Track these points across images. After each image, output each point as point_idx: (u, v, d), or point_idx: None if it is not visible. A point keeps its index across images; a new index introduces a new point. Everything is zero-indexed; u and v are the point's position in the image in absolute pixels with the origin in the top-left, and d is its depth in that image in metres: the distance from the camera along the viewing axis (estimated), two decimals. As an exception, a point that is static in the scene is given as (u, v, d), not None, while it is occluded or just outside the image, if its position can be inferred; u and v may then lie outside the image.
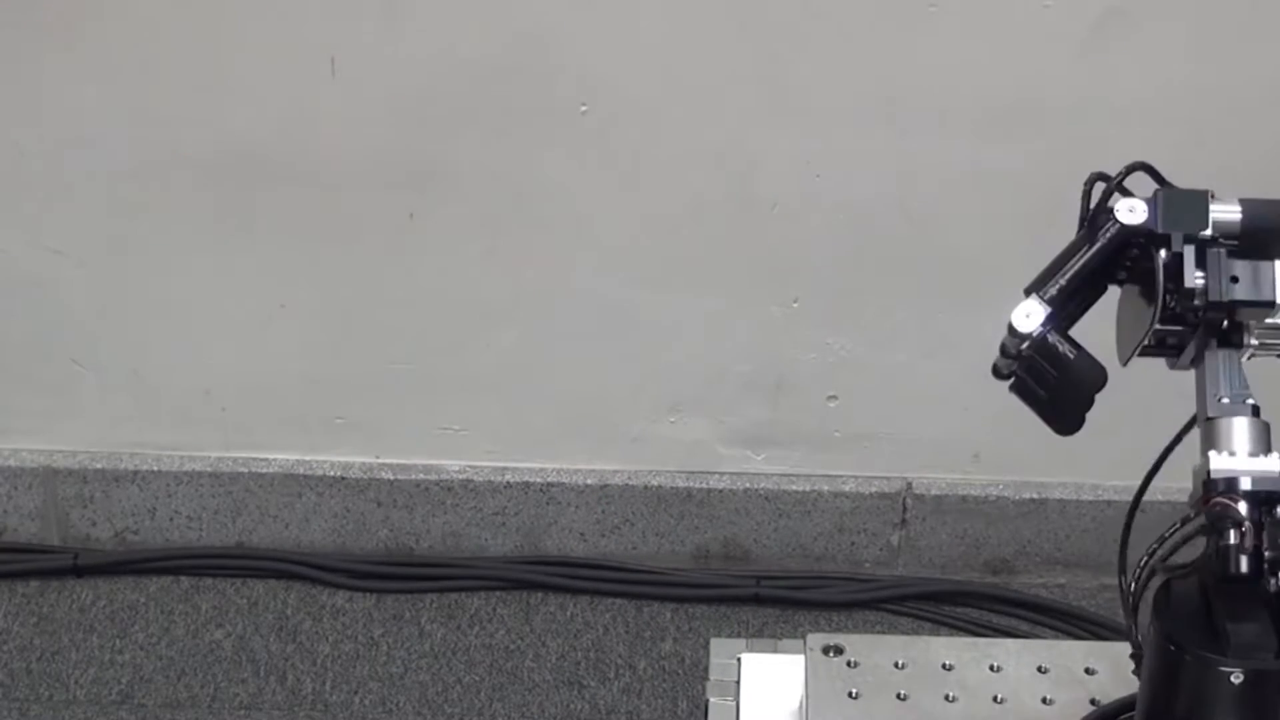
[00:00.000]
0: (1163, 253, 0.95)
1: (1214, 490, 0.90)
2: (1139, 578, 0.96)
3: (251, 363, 2.44)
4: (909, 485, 2.49)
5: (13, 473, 2.53)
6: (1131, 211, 0.96)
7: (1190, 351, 0.97)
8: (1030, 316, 0.97)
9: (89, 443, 2.52)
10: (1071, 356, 0.95)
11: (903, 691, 1.17)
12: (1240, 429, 0.92)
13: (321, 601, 2.49)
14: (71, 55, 2.18)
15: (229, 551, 2.55)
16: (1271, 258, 0.95)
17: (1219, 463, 0.91)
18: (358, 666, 2.38)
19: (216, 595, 2.50)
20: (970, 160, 2.19)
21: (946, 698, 1.16)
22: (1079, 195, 1.02)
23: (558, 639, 2.43)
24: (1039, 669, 1.19)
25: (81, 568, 2.52)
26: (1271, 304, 0.94)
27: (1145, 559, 0.96)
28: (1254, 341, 0.96)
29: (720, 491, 2.49)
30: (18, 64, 2.19)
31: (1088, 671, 1.18)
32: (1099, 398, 0.98)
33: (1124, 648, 1.06)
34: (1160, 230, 0.95)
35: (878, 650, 1.20)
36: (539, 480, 2.50)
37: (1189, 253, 0.94)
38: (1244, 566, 0.87)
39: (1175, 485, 1.02)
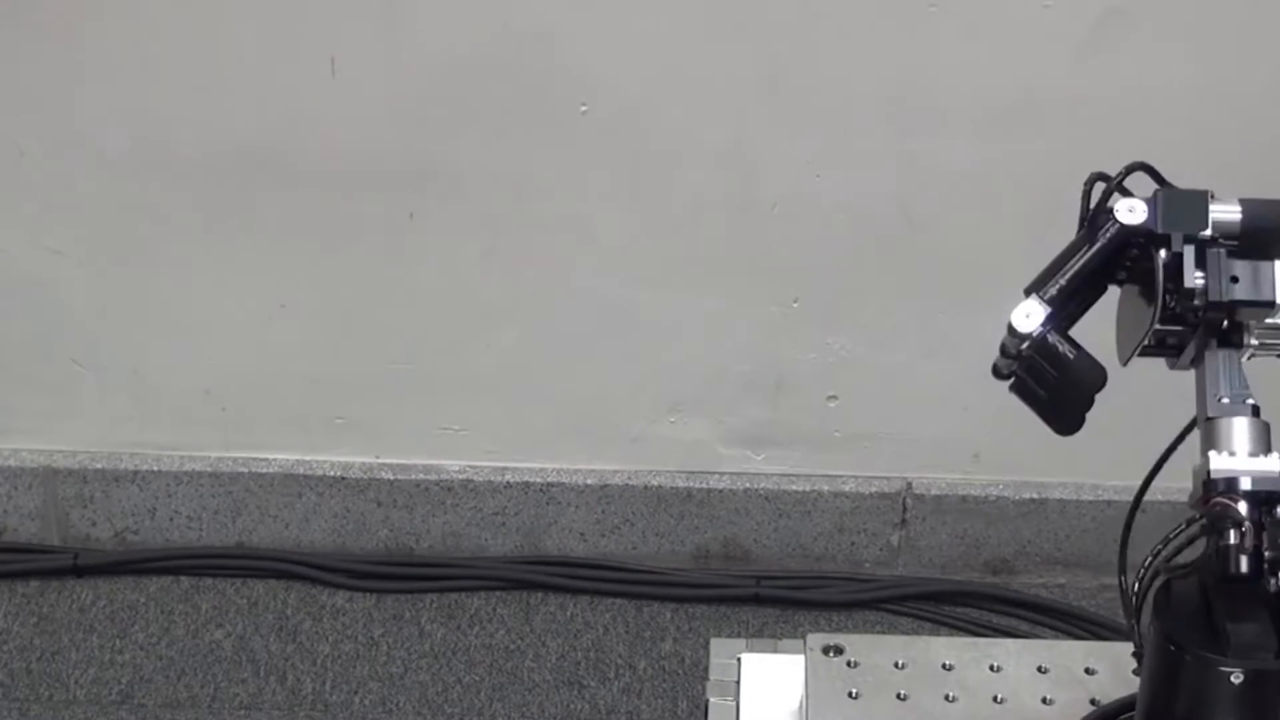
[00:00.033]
0: (1163, 253, 0.95)
1: (1214, 490, 0.90)
2: (1142, 578, 0.96)
3: (251, 363, 2.44)
4: (909, 485, 2.49)
5: (13, 473, 2.53)
6: (1131, 211, 0.96)
7: (1190, 351, 0.97)
8: (1030, 316, 0.96)
9: (89, 443, 2.52)
10: (1071, 356, 0.95)
11: (903, 691, 1.17)
12: (1240, 429, 0.92)
13: (321, 601, 2.49)
14: (71, 55, 2.18)
15: (229, 551, 2.55)
16: (1271, 258, 0.95)
17: (1219, 463, 0.91)
18: (358, 666, 2.38)
19: (216, 595, 2.50)
20: (970, 160, 2.19)
21: (946, 698, 1.16)
22: (1079, 195, 1.02)
23: (558, 639, 2.43)
24: (1039, 669, 1.19)
25: (81, 568, 2.52)
26: (1271, 304, 0.94)
27: (1149, 559, 0.96)
28: (1254, 341, 0.96)
29: (720, 491, 2.49)
30: (18, 64, 2.19)
31: (1088, 671, 1.18)
32: (1099, 398, 0.98)
33: (1124, 648, 1.06)
34: (1160, 230, 0.95)
35: (878, 650, 1.20)
36: (539, 480, 2.50)
37: (1189, 253, 0.94)
38: (1244, 566, 0.87)
39: (1175, 485, 1.02)
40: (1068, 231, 1.03)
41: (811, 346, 2.37)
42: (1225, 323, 0.95)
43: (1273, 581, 0.88)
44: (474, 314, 2.37)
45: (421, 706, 2.33)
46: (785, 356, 2.38)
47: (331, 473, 2.51)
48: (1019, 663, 1.19)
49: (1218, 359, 0.96)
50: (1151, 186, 1.00)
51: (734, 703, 1.22)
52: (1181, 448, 1.06)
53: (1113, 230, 0.97)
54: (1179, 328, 0.96)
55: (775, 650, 1.26)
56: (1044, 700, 1.16)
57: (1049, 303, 0.96)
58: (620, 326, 2.37)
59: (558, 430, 2.47)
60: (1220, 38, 2.09)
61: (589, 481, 2.50)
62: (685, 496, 2.50)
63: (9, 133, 2.25)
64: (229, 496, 2.53)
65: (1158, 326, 0.95)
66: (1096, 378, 0.95)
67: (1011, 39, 2.11)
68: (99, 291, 2.38)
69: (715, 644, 1.27)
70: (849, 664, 1.19)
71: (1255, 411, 0.94)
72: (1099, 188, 0.99)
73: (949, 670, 1.19)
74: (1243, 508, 0.89)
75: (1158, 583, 0.96)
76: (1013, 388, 1.00)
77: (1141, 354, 0.98)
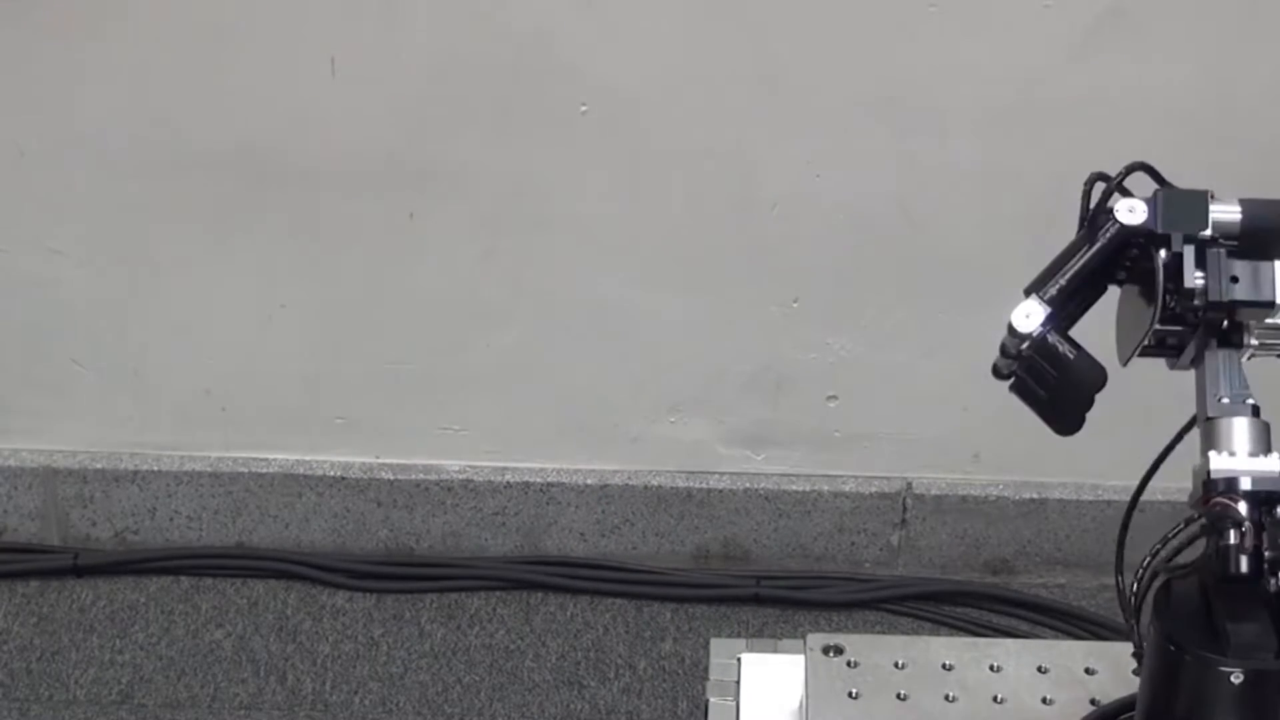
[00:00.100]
0: (1162, 253, 0.94)
1: (1214, 490, 0.90)
2: (1141, 578, 0.96)
3: (251, 363, 2.44)
4: (909, 485, 2.49)
5: (13, 473, 2.53)
6: (1131, 212, 0.96)
7: (1190, 351, 0.97)
8: (1030, 316, 0.96)
9: (89, 443, 2.52)
10: (1071, 357, 0.95)
11: (903, 691, 1.17)
12: (1240, 429, 0.92)
13: (321, 601, 2.49)
14: (71, 55, 2.18)
15: (229, 551, 2.55)
16: (1271, 258, 0.95)
17: (1219, 463, 0.91)
18: (358, 666, 2.38)
19: (216, 595, 2.50)
20: (970, 160, 2.19)
21: (946, 698, 1.16)
22: (1079, 195, 1.02)
23: (558, 639, 2.43)
24: (1039, 669, 1.19)
25: (81, 568, 2.52)
26: (1271, 304, 0.94)
27: (1148, 559, 0.96)
28: (1254, 341, 0.96)
29: (720, 491, 2.49)
30: (18, 64, 2.19)
31: (1088, 671, 1.18)
32: (1099, 398, 0.98)
33: (1124, 648, 1.06)
34: (1160, 230, 0.95)
35: (878, 650, 1.20)
36: (539, 480, 2.50)
37: (1189, 253, 0.94)
38: (1244, 566, 0.87)
39: (1175, 485, 1.02)
40: (1068, 231, 1.03)
41: (811, 346, 2.37)
42: (1225, 323, 0.95)
43: (1273, 581, 0.88)
44: (474, 314, 2.37)
45: (421, 706, 2.33)
46: (785, 356, 2.38)
47: (331, 473, 2.51)
48: (1019, 663, 1.19)
49: (1218, 359, 0.96)
50: (1151, 186, 1.00)
51: (734, 703, 1.22)
52: (1181, 447, 1.06)
53: (1113, 230, 0.97)
54: (1179, 328, 0.95)
55: (775, 650, 1.26)
56: (1044, 700, 1.16)
57: (1049, 303, 0.96)
58: (620, 326, 2.37)
59: (558, 430, 2.47)
60: (1220, 38, 2.09)
61: (589, 481, 2.50)
62: (685, 496, 2.50)
63: (9, 133, 2.25)
64: (229, 496, 2.53)
65: (1158, 326, 0.95)
66: (1096, 378, 0.95)
67: (1011, 39, 2.11)
68: (99, 291, 2.38)
69: (715, 644, 1.27)
70: (849, 664, 1.19)
71: (1255, 411, 0.94)
72: (1099, 188, 0.99)
73: (949, 670, 1.19)
74: (1243, 508, 0.89)
75: (1157, 583, 0.96)
76: (1013, 388, 1.00)
77: (1141, 354, 0.98)
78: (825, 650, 1.20)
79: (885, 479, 2.49)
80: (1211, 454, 0.91)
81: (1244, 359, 0.96)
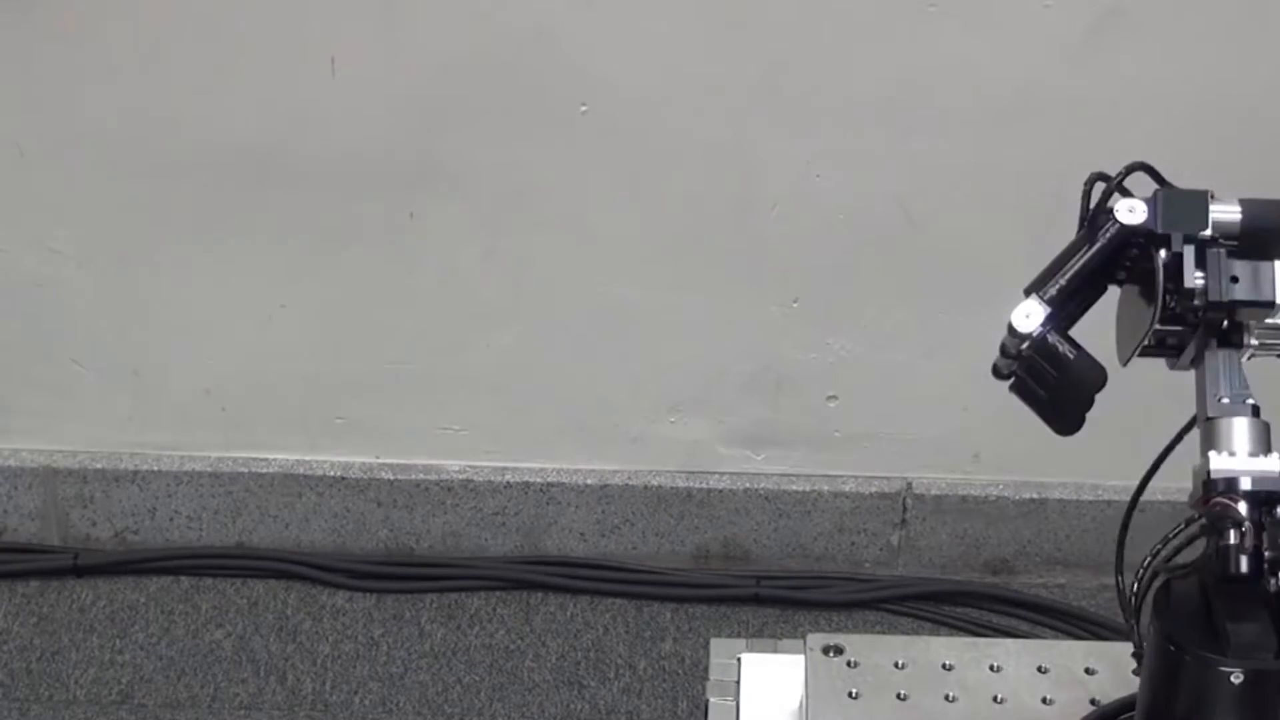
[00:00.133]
0: (1162, 253, 0.94)
1: (1214, 490, 0.90)
2: (1141, 578, 0.96)
3: (251, 363, 2.44)
4: (909, 485, 2.49)
5: (13, 473, 2.53)
6: (1131, 211, 0.96)
7: (1190, 351, 0.97)
8: (1030, 317, 0.96)
9: (89, 443, 2.52)
10: (1071, 357, 0.95)
11: (903, 691, 1.17)
12: (1240, 429, 0.92)
13: (321, 601, 2.49)
14: (71, 55, 2.18)
15: (229, 551, 2.55)
16: (1271, 258, 0.95)
17: (1219, 463, 0.91)
18: (358, 666, 2.38)
19: (216, 595, 2.50)
20: (970, 160, 2.19)
21: (946, 698, 1.16)
22: (1079, 195, 1.02)
23: (558, 639, 2.43)
24: (1039, 669, 1.19)
25: (81, 568, 2.52)
26: (1271, 304, 0.93)
27: (1148, 559, 0.96)
28: (1254, 341, 0.96)
29: (720, 491, 2.49)
30: (18, 64, 2.19)
31: (1088, 671, 1.18)
32: (1099, 397, 0.98)
33: (1124, 648, 1.06)
34: (1160, 230, 0.95)
35: (878, 650, 1.20)
36: (539, 480, 2.50)
37: (1189, 253, 0.93)
38: (1244, 566, 0.87)
39: (1175, 485, 1.02)
40: (1068, 231, 1.03)
41: (811, 346, 2.37)
42: (1225, 323, 0.95)
43: (1273, 581, 0.88)
44: (474, 314, 2.37)
45: (421, 706, 2.33)
46: (785, 356, 2.38)
47: (331, 473, 2.51)
48: (1019, 663, 1.19)
49: (1218, 359, 0.96)
50: (1152, 186, 1.00)
51: (734, 703, 1.22)
52: (1181, 447, 1.06)
53: (1113, 230, 0.97)
54: (1179, 328, 0.95)
55: (775, 650, 1.26)
56: (1044, 700, 1.16)
57: (1049, 303, 0.96)
58: (620, 326, 2.37)
59: (558, 430, 2.47)
60: (1220, 38, 2.09)
61: (589, 481, 2.50)
62: (685, 496, 2.50)
63: (9, 133, 2.25)
64: (229, 496, 2.53)
65: (1158, 326, 0.95)
66: (1097, 378, 0.95)
67: (1011, 39, 2.11)
68: (99, 291, 2.38)
69: (715, 644, 1.27)
70: (849, 664, 1.19)
71: (1255, 411, 0.94)
72: (1099, 188, 0.99)
73: (949, 670, 1.19)
74: (1243, 508, 0.89)
75: (1157, 583, 0.96)
76: (1013, 388, 1.00)
77: (1141, 354, 0.98)
78: (825, 650, 1.20)
79: (885, 479, 2.49)
80: (1211, 454, 0.91)
81: (1244, 359, 0.96)
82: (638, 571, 2.53)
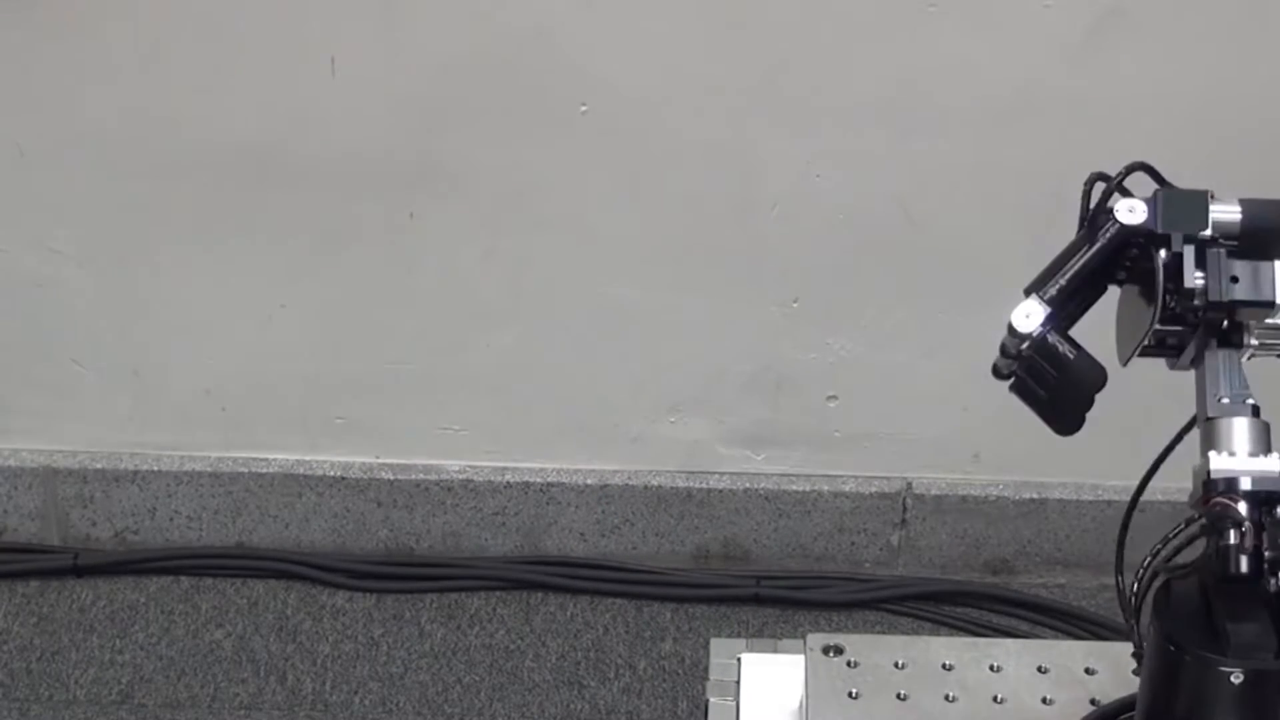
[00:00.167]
0: (1162, 253, 0.94)
1: (1214, 490, 0.90)
2: (1141, 578, 0.96)
3: (251, 363, 2.44)
4: (909, 485, 2.49)
5: (13, 473, 2.53)
6: (1131, 212, 0.96)
7: (1190, 352, 0.97)
8: (1030, 317, 0.96)
9: (89, 443, 2.52)
10: (1071, 357, 0.95)
11: (903, 691, 1.17)
12: (1240, 429, 0.92)
13: (321, 601, 2.49)
14: (71, 55, 2.18)
15: (229, 551, 2.55)
16: (1271, 258, 0.94)
17: (1219, 463, 0.91)
18: (358, 666, 2.38)
19: (216, 595, 2.50)
20: (970, 160, 2.19)
21: (946, 698, 1.16)
22: (1079, 195, 1.02)
23: (558, 639, 2.43)
24: (1039, 669, 1.19)
25: (81, 568, 2.52)
26: (1271, 304, 0.93)
27: (1148, 559, 0.96)
28: (1254, 341, 0.96)
29: (720, 491, 2.49)
30: (18, 64, 2.19)
31: (1088, 671, 1.18)
32: (1099, 397, 0.98)
33: (1124, 648, 1.06)
34: (1160, 230, 0.95)
35: (878, 650, 1.20)
36: (539, 480, 2.50)
37: (1189, 253, 0.93)
38: (1244, 566, 0.87)
39: (1175, 485, 1.02)
40: (1068, 231, 1.03)
41: (811, 346, 2.37)
42: (1225, 323, 0.95)
43: (1273, 582, 0.88)
44: (474, 314, 2.37)
45: (421, 706, 2.33)
46: (785, 356, 2.38)
47: (331, 473, 2.51)
48: (1019, 663, 1.19)
49: (1218, 359, 0.96)
50: (1152, 186, 1.00)
51: (734, 703, 1.22)
52: (1181, 447, 1.06)
53: (1113, 230, 0.97)
54: (1179, 328, 0.95)
55: (775, 650, 1.26)
56: (1044, 700, 1.16)
57: (1049, 302, 0.96)
58: (620, 326, 2.37)
59: (558, 430, 2.47)
60: (1220, 38, 2.09)
61: (589, 481, 2.50)
62: (685, 496, 2.50)
63: (9, 133, 2.25)
64: (229, 496, 2.53)
65: (1158, 326, 0.95)
66: (1096, 378, 0.95)
67: (1011, 39, 2.11)
68: (99, 291, 2.38)
69: (715, 644, 1.27)
70: (849, 664, 1.19)
71: (1255, 412, 0.94)
72: (1099, 188, 0.99)
73: (949, 670, 1.19)
74: (1242, 508, 0.89)
75: (1157, 583, 0.96)
76: (1013, 388, 1.00)
77: (1141, 354, 0.98)
78: (825, 650, 1.20)
79: (885, 479, 2.49)
80: (1211, 454, 0.91)
81: (1244, 359, 0.96)
82: (638, 571, 2.53)
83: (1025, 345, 0.97)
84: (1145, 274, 0.96)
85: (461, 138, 2.22)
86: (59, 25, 2.16)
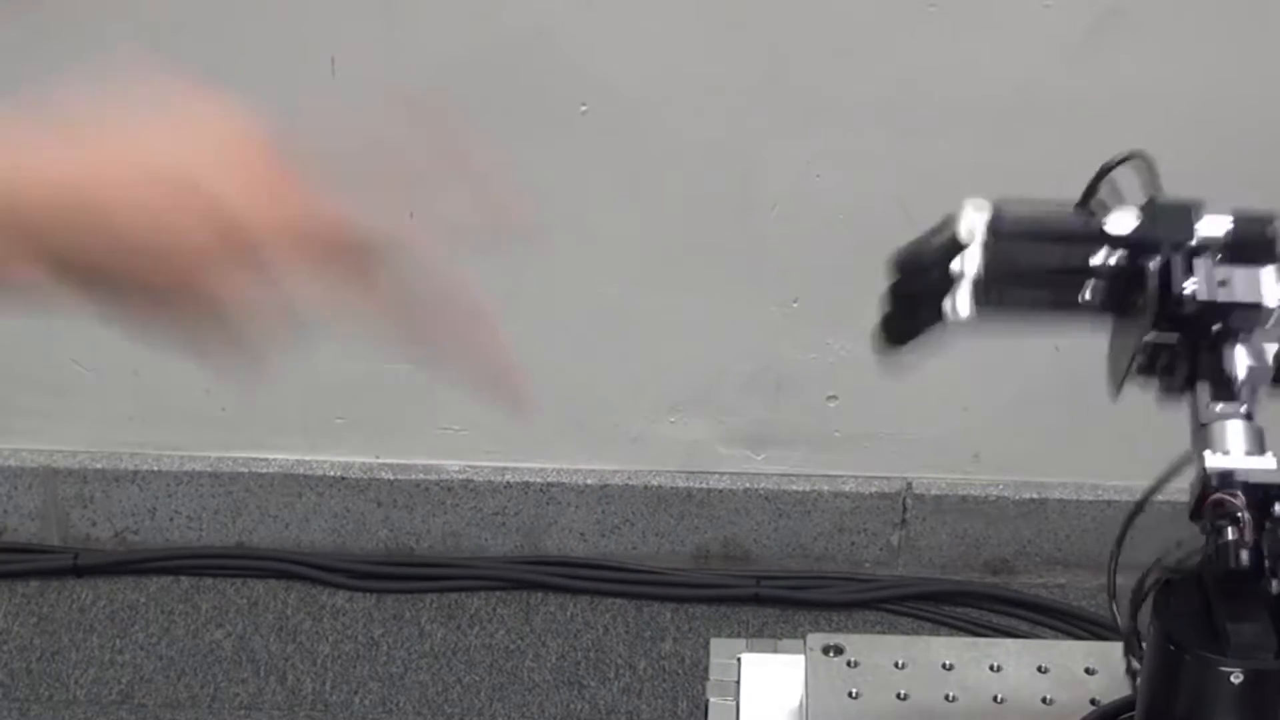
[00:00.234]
0: (1153, 262, 0.94)
1: (1211, 486, 0.90)
2: (1136, 598, 0.96)
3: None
4: (909, 485, 2.49)
5: (13, 473, 2.53)
6: (1120, 223, 0.96)
7: (1183, 370, 0.96)
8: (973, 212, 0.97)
9: (89, 443, 2.52)
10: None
11: (903, 691, 1.17)
12: (1235, 430, 0.92)
13: (321, 601, 2.49)
14: (71, 55, 2.18)
15: (229, 551, 2.55)
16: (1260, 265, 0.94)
17: (1214, 461, 0.91)
18: (358, 666, 2.38)
19: (216, 595, 2.50)
20: (970, 160, 2.19)
21: (946, 698, 1.16)
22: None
23: (558, 639, 2.43)
24: (1039, 669, 1.19)
25: (81, 568, 2.52)
26: (1260, 305, 0.93)
27: (1144, 579, 0.95)
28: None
29: (720, 491, 2.49)
30: (18, 64, 2.19)
31: (1088, 671, 1.18)
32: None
33: (1124, 648, 1.06)
34: (1150, 240, 0.95)
35: (878, 650, 1.20)
36: (539, 480, 2.50)
37: (1177, 260, 0.93)
38: (1244, 559, 0.87)
39: (1175, 485, 1.02)
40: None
41: (811, 346, 2.37)
42: (1216, 327, 0.94)
43: (1274, 583, 0.88)
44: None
45: (421, 706, 2.33)
46: (785, 356, 2.38)
47: (331, 473, 2.51)
48: (1019, 663, 1.19)
49: (1209, 377, 0.95)
50: (1145, 188, 0.99)
51: (734, 703, 1.22)
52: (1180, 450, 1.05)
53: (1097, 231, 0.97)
54: (1170, 340, 0.95)
55: (775, 650, 1.25)
56: (1044, 700, 1.16)
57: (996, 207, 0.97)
58: (620, 326, 2.37)
59: (558, 430, 2.47)
60: (1220, 38, 2.09)
61: (589, 481, 2.50)
62: (685, 496, 2.50)
63: (9, 133, 2.24)
64: (229, 496, 2.53)
65: (1149, 338, 0.95)
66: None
67: (1011, 39, 2.11)
68: (99, 291, 2.37)
69: (715, 644, 1.27)
70: (849, 664, 1.19)
71: (1249, 417, 0.94)
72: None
73: (949, 670, 1.19)
74: (1240, 502, 0.89)
75: (1155, 580, 0.96)
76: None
77: (1137, 373, 0.97)
78: (825, 650, 1.20)
79: (885, 479, 2.49)
80: (1206, 453, 0.91)
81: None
82: (638, 571, 2.53)
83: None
84: (1134, 286, 0.95)
85: (461, 138, 2.21)
86: (58, 25, 2.16)
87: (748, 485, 2.49)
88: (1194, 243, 0.94)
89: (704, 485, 2.49)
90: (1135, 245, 0.94)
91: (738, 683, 1.23)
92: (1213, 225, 0.95)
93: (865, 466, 2.48)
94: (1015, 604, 2.49)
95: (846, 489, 2.49)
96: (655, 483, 2.49)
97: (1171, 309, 0.92)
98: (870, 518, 2.50)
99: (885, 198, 2.23)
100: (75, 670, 2.37)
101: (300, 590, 2.51)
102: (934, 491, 2.48)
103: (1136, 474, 1.10)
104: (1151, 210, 0.95)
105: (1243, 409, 0.93)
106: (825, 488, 2.49)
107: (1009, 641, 1.22)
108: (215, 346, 0.81)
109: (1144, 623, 0.97)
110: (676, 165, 2.23)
